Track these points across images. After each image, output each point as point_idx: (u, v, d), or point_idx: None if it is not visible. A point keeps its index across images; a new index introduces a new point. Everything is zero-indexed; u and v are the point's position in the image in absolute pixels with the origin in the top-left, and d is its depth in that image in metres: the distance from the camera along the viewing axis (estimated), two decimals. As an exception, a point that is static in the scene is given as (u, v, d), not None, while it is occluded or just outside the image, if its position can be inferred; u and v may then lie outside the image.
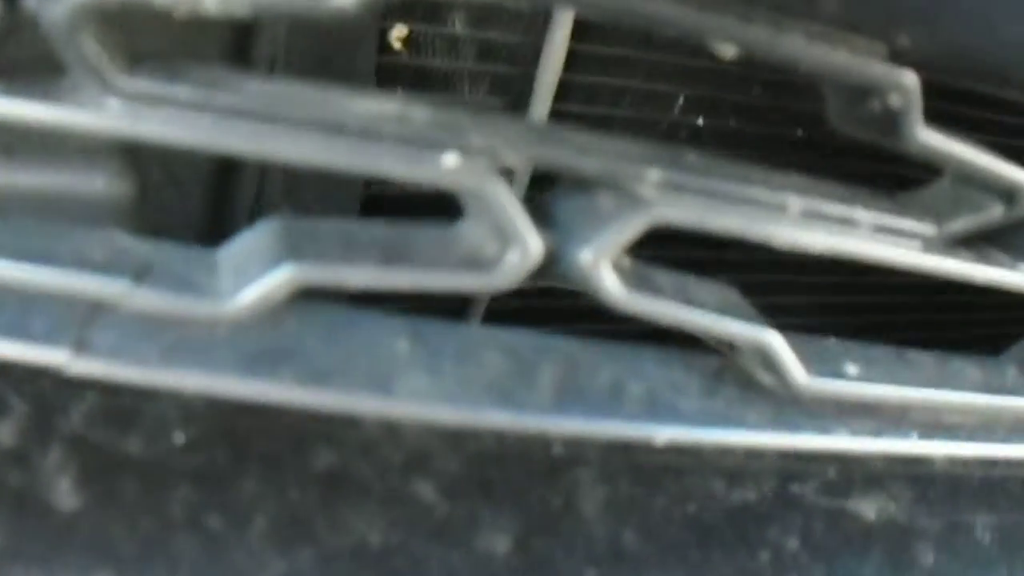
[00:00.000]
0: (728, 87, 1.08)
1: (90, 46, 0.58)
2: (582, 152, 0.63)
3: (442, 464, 0.64)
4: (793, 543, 0.66)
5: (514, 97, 1.01)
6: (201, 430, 0.62)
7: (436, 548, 0.61)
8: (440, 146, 0.62)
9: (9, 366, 0.62)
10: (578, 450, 0.66)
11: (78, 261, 0.63)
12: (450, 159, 0.62)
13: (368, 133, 0.61)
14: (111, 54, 0.59)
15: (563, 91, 1.01)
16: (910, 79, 0.65)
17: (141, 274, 0.63)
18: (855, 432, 0.70)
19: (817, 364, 0.69)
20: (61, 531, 0.58)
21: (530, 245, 0.63)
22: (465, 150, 0.62)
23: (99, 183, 0.77)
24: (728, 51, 0.63)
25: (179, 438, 0.62)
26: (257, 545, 0.59)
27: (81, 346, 0.62)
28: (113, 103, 0.60)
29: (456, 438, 0.65)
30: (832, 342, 0.72)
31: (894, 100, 0.63)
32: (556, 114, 1.02)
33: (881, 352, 0.73)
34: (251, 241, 0.65)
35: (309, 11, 0.57)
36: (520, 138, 0.63)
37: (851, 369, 0.70)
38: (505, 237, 0.63)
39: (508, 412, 0.65)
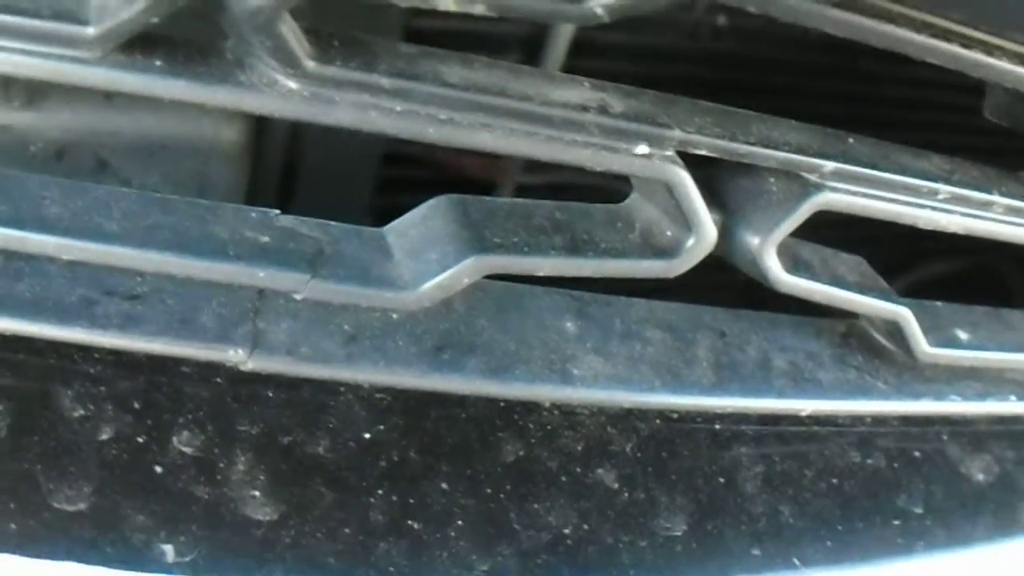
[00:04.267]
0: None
1: (288, 30, 0.53)
2: (766, 143, 0.63)
3: (618, 448, 0.64)
4: (918, 509, 0.70)
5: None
6: (388, 425, 0.60)
7: (623, 535, 0.62)
8: (633, 136, 0.60)
9: (180, 365, 0.58)
10: (735, 426, 0.67)
11: (245, 247, 0.58)
12: (641, 148, 0.60)
13: (568, 123, 0.59)
14: (299, 38, 0.54)
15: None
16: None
17: (314, 261, 0.59)
18: (965, 396, 0.74)
19: (935, 332, 0.72)
20: (261, 544, 0.56)
21: (707, 231, 0.63)
22: (655, 140, 0.60)
23: (207, 128, 0.70)
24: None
25: (367, 435, 0.60)
26: (459, 546, 0.59)
27: (258, 340, 0.58)
28: (294, 85, 0.55)
29: (627, 420, 0.65)
30: (940, 306, 0.75)
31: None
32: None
33: (981, 315, 0.77)
34: (424, 221, 0.61)
35: (552, 15, 0.53)
36: (709, 128, 0.62)
37: (963, 335, 0.74)
38: (685, 222, 0.62)
39: (678, 393, 0.65)
